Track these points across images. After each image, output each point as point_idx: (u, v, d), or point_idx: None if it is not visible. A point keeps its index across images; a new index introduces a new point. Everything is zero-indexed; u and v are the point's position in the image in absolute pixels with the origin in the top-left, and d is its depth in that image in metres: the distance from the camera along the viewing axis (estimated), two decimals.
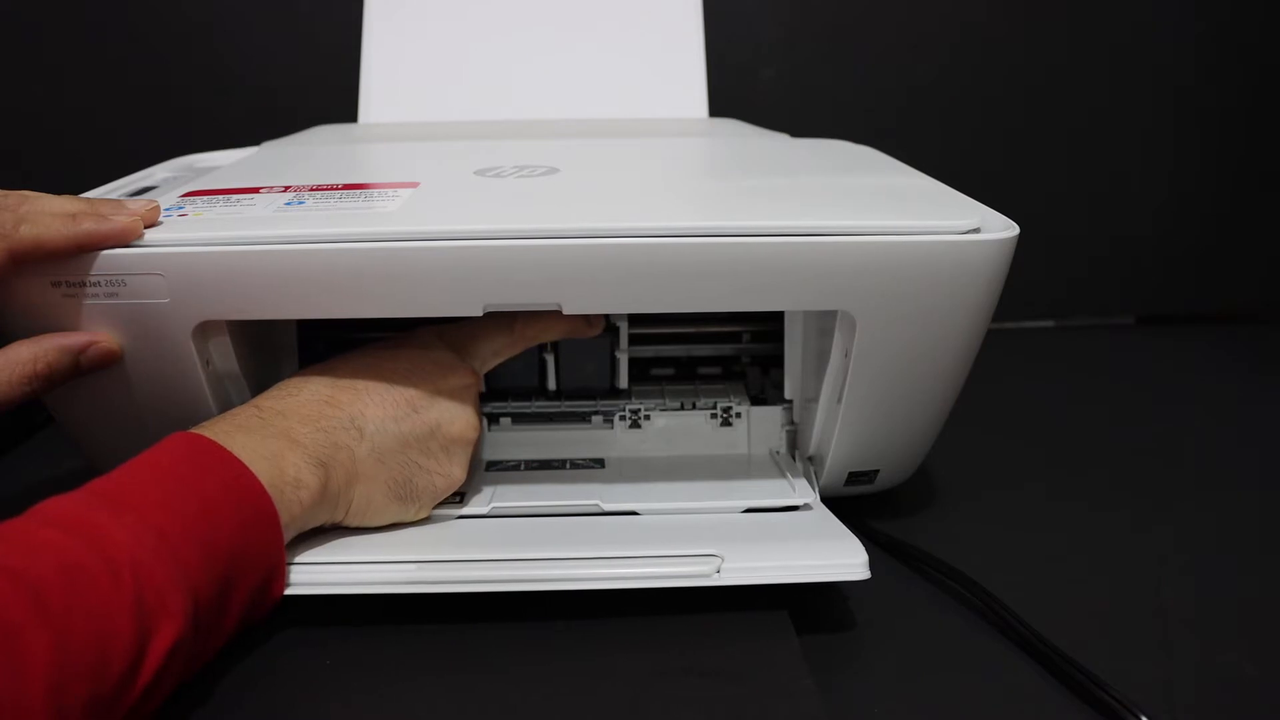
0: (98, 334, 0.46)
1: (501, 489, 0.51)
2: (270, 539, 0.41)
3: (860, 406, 0.50)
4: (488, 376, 0.55)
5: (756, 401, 0.57)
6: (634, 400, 0.57)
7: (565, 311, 0.47)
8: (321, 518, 0.45)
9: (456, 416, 0.48)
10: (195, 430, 0.42)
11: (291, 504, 0.42)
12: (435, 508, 0.49)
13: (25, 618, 0.31)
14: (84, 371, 0.46)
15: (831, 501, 0.51)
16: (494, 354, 0.53)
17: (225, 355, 0.48)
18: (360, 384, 0.47)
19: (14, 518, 0.36)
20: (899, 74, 0.93)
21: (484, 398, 0.57)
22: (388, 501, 0.46)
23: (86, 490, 0.37)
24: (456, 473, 0.48)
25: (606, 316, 0.56)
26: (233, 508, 0.39)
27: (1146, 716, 0.38)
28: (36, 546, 0.34)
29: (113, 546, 0.35)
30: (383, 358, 0.49)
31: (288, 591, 0.42)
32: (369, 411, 0.46)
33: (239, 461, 0.40)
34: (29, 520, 0.36)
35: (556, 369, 0.57)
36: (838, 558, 0.44)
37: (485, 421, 0.57)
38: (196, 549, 0.37)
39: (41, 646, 0.31)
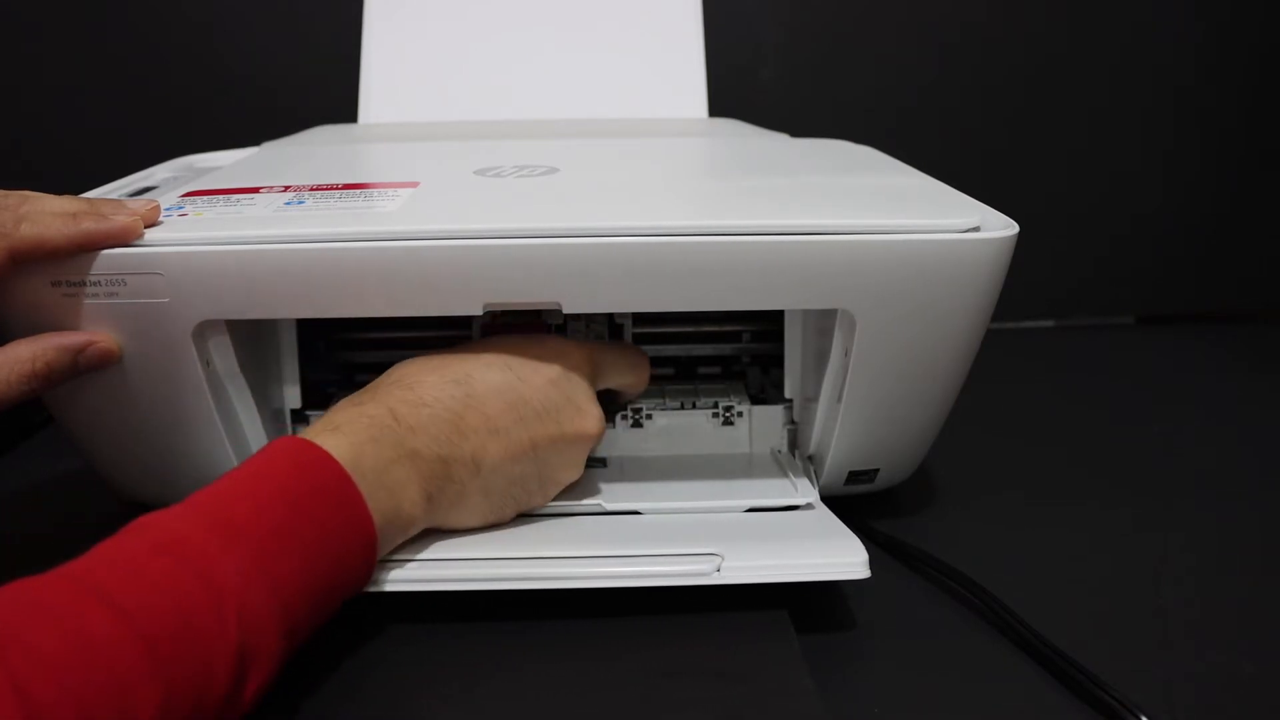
0: (96, 333, 0.45)
1: None
2: (365, 578, 0.41)
3: (860, 405, 0.50)
4: None
5: (757, 401, 0.57)
6: (635, 399, 0.57)
7: (565, 310, 0.47)
8: (416, 531, 0.45)
9: (568, 463, 0.48)
10: (326, 434, 0.41)
11: (396, 535, 0.43)
12: None
13: (139, 674, 0.31)
14: (83, 371, 0.46)
15: (832, 501, 0.51)
16: (620, 389, 0.53)
17: (225, 355, 0.48)
18: (494, 411, 0.45)
19: (119, 534, 0.35)
20: (899, 74, 0.93)
21: None
22: (472, 521, 0.46)
23: (197, 507, 0.37)
24: (542, 504, 0.48)
25: (610, 315, 0.56)
26: (343, 547, 0.39)
27: (1146, 716, 0.38)
28: (150, 581, 0.33)
29: (222, 584, 0.34)
30: (521, 380, 0.46)
31: None
32: (491, 448, 0.45)
33: (362, 502, 0.40)
34: (138, 541, 0.35)
35: None
36: (838, 556, 0.44)
37: None
38: (301, 589, 0.37)
39: (151, 703, 0.31)
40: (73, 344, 0.45)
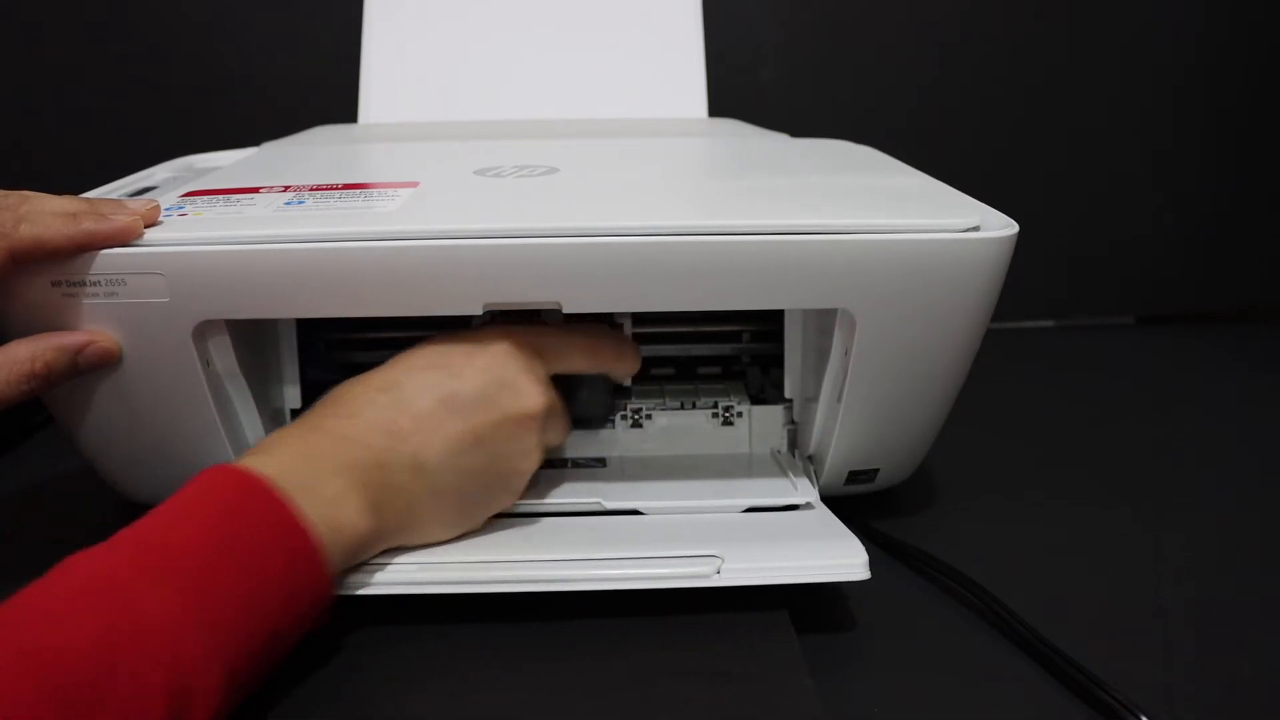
0: (96, 333, 0.45)
1: None
2: (321, 598, 0.39)
3: (860, 405, 0.50)
4: None
5: (757, 401, 0.57)
6: (635, 399, 0.57)
7: (565, 310, 0.47)
8: (371, 553, 0.43)
9: (519, 450, 0.46)
10: (254, 456, 0.40)
11: (345, 550, 0.41)
12: None
13: None
14: (82, 371, 0.45)
15: (832, 501, 0.51)
16: (573, 371, 0.51)
17: (225, 355, 0.48)
18: (426, 408, 0.44)
19: (49, 573, 0.34)
20: (899, 74, 0.93)
21: None
22: (439, 531, 0.45)
23: (126, 543, 0.35)
24: (509, 501, 0.47)
25: (612, 316, 0.56)
26: (283, 570, 0.37)
27: (1146, 716, 0.38)
28: (73, 624, 0.32)
29: (151, 623, 0.33)
30: (451, 375, 0.45)
31: None
32: (432, 445, 0.43)
33: (296, 521, 0.38)
34: (65, 581, 0.33)
35: None
36: (838, 557, 0.44)
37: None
38: (241, 620, 0.35)
39: None
40: (72, 344, 0.45)
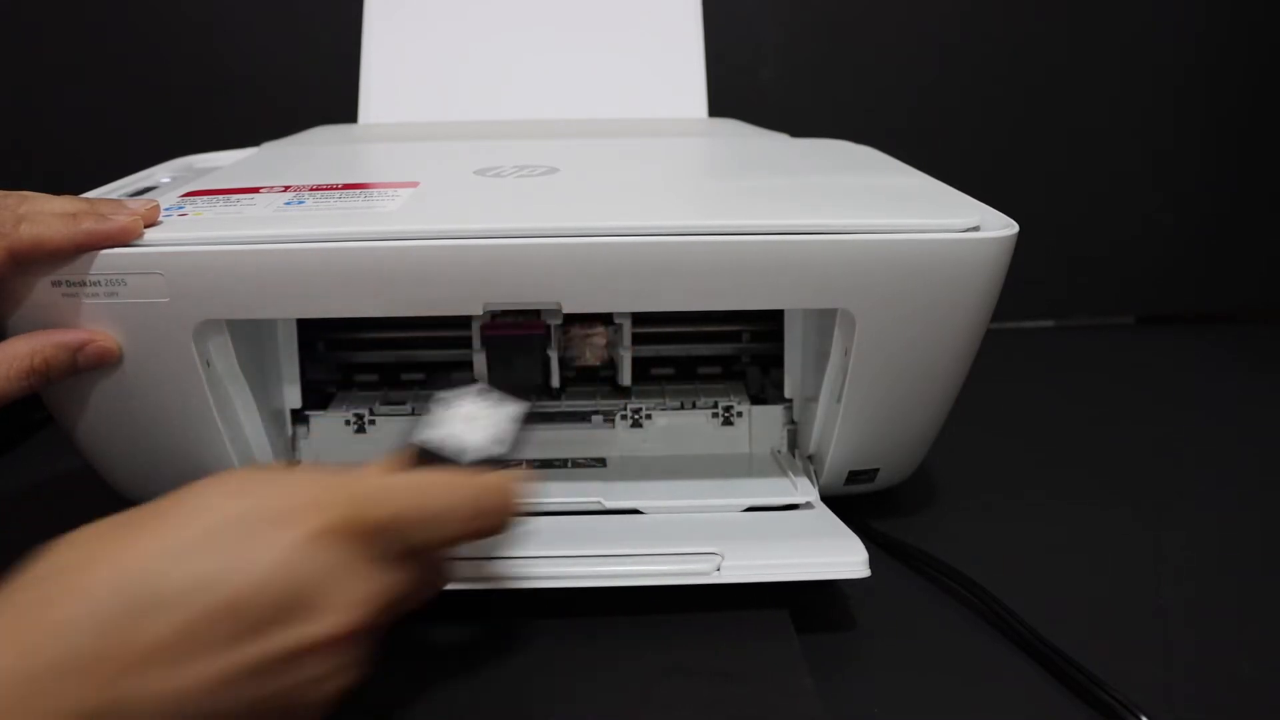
0: (96, 332, 0.45)
1: None
2: None
3: (860, 405, 0.50)
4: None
5: (757, 401, 0.57)
6: (635, 399, 0.57)
7: (565, 310, 0.47)
8: None
9: (311, 678, 0.31)
10: None
11: None
12: None
13: None
14: (81, 369, 0.45)
15: (832, 501, 0.51)
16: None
17: (225, 355, 0.48)
18: (180, 623, 0.29)
19: None
20: (899, 74, 0.93)
21: None
22: None
23: None
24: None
25: (612, 316, 0.56)
26: None
27: (1146, 716, 0.38)
28: None
29: None
30: (231, 567, 0.30)
31: None
32: (185, 685, 0.29)
33: None
34: None
35: (560, 367, 0.57)
36: (838, 556, 0.44)
37: None
38: None
39: None
40: (71, 341, 0.45)
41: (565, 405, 0.57)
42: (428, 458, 0.38)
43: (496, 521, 0.36)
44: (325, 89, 0.86)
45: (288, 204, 0.49)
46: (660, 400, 0.57)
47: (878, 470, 0.54)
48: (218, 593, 0.29)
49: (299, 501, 0.32)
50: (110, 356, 0.46)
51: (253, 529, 0.31)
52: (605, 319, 0.56)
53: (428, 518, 0.34)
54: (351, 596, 0.32)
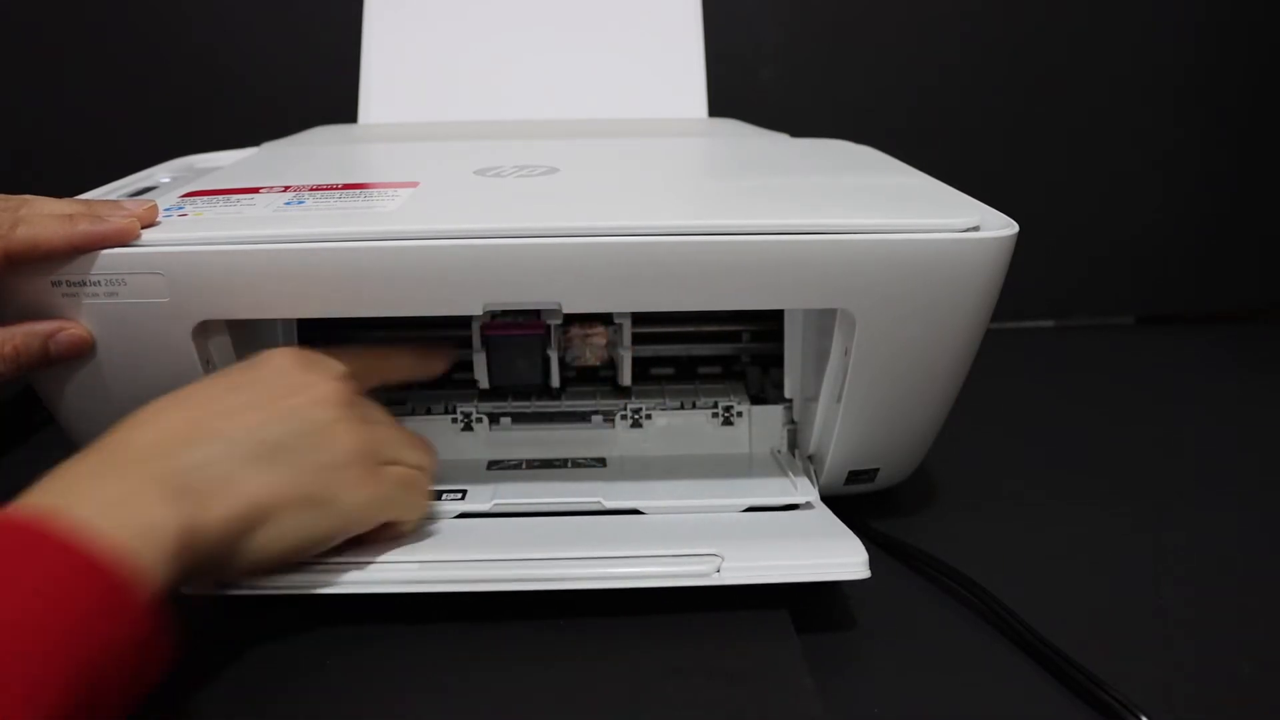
0: (67, 321, 0.45)
1: (503, 487, 0.51)
2: (135, 606, 0.33)
3: (860, 405, 0.50)
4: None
5: (757, 401, 0.57)
6: (635, 399, 0.57)
7: (565, 310, 0.47)
8: (216, 558, 0.38)
9: (325, 420, 0.42)
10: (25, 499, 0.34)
11: (159, 550, 0.35)
12: (437, 505, 0.48)
13: None
14: (55, 359, 0.46)
15: (832, 501, 0.51)
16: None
17: (225, 355, 0.48)
18: (222, 405, 0.41)
19: None
20: (899, 74, 0.93)
21: (485, 395, 0.57)
22: (299, 529, 0.41)
23: None
24: (365, 490, 0.43)
25: (612, 316, 0.56)
26: (67, 590, 0.32)
27: (1146, 716, 0.38)
28: None
29: None
30: (234, 383, 0.42)
31: (289, 591, 0.42)
32: (231, 421, 0.40)
33: (65, 529, 0.32)
34: None
35: (560, 367, 0.57)
36: (838, 557, 0.44)
37: (481, 420, 0.56)
38: (39, 653, 0.30)
39: None
40: (42, 329, 0.45)
41: (565, 405, 0.57)
42: None
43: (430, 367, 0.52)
44: (325, 89, 0.86)
45: (288, 204, 0.49)
46: (660, 400, 0.57)
47: (878, 470, 0.54)
48: (238, 397, 0.41)
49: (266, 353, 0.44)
50: (83, 345, 0.46)
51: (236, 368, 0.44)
52: (605, 319, 0.56)
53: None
54: (331, 368, 0.44)
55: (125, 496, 0.35)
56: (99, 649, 0.32)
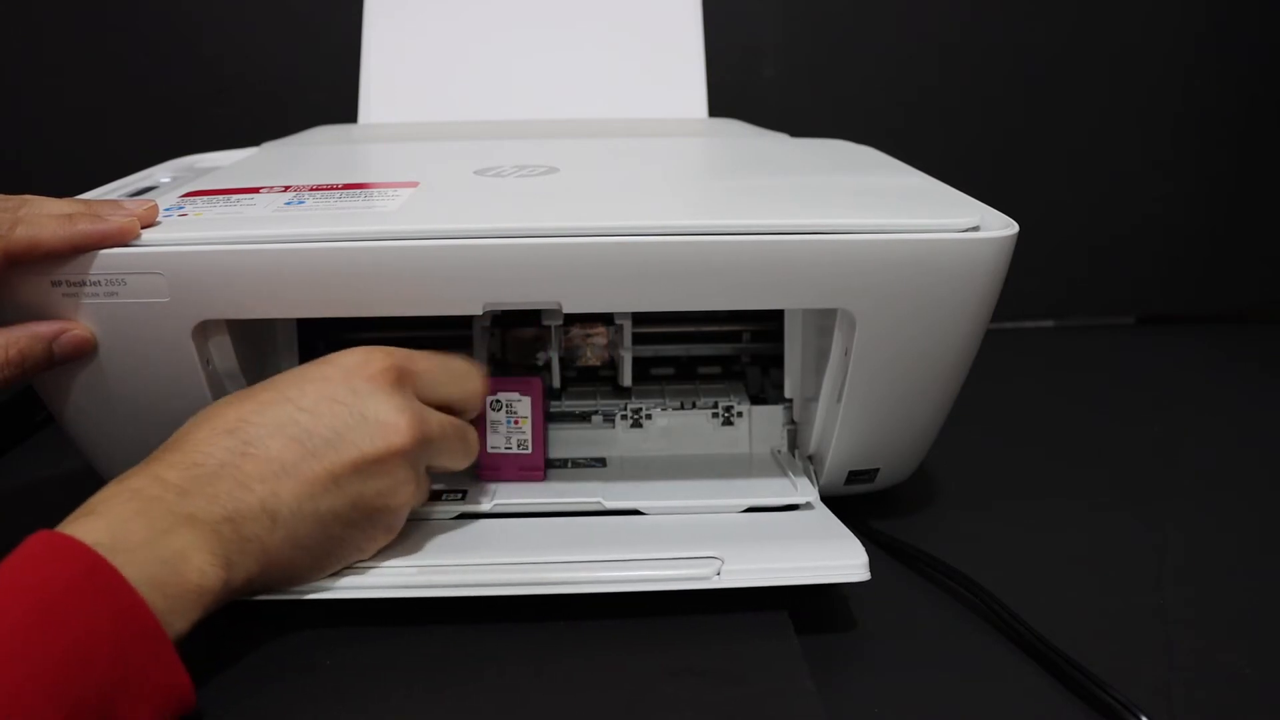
0: (70, 322, 0.45)
1: (503, 486, 0.51)
2: (163, 665, 0.34)
3: (860, 405, 0.50)
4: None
5: (757, 401, 0.57)
6: (635, 400, 0.57)
7: (565, 310, 0.47)
8: (227, 601, 0.39)
9: (385, 487, 0.42)
10: (82, 519, 0.36)
11: (190, 610, 0.37)
12: (437, 505, 0.48)
13: None
14: (59, 360, 0.45)
15: (832, 501, 0.51)
16: (445, 403, 0.46)
17: (225, 355, 0.48)
18: (274, 449, 0.40)
19: None
20: (899, 74, 0.93)
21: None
22: (305, 576, 0.42)
23: None
24: (388, 536, 0.44)
25: (612, 316, 0.56)
26: (106, 637, 0.33)
27: (1146, 716, 0.38)
28: None
29: None
30: (302, 410, 0.41)
31: (286, 596, 0.42)
32: (283, 492, 0.39)
33: (125, 586, 0.34)
34: None
35: (560, 367, 0.57)
36: (838, 559, 0.44)
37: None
38: (59, 697, 0.31)
39: None
40: (45, 331, 0.45)
41: (565, 405, 0.57)
42: None
43: (473, 384, 0.47)
44: (325, 89, 0.86)
45: (288, 204, 0.49)
46: (660, 400, 0.57)
47: (878, 470, 0.54)
48: (291, 429, 0.40)
49: (348, 363, 0.43)
50: (86, 346, 0.46)
51: (317, 380, 0.42)
52: (606, 319, 0.56)
53: (437, 371, 0.45)
54: (398, 419, 0.42)
55: (174, 558, 0.36)
56: (119, 679, 0.33)
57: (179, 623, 0.36)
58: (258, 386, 0.43)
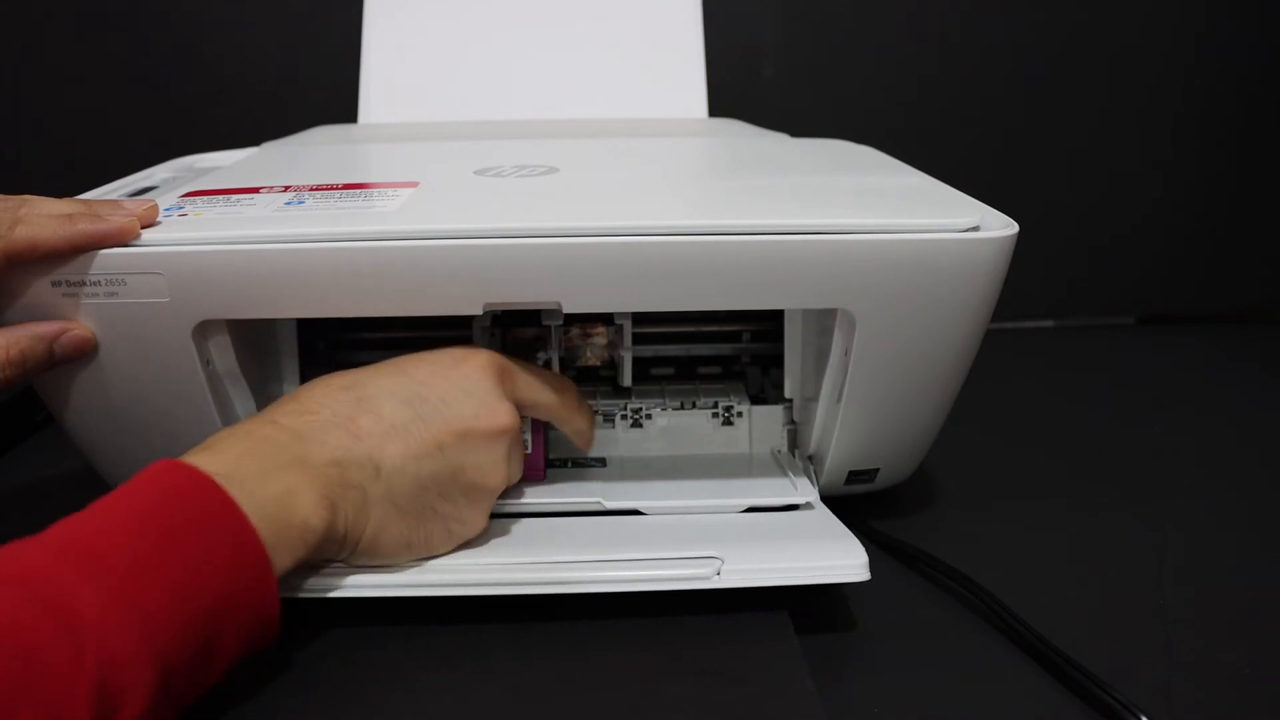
0: (70, 322, 0.45)
1: None
2: (263, 597, 0.37)
3: (860, 405, 0.50)
4: None
5: (757, 401, 0.57)
6: (635, 400, 0.57)
7: (565, 310, 0.47)
8: (326, 554, 0.42)
9: (487, 465, 0.44)
10: (200, 453, 0.39)
11: (295, 547, 0.39)
12: None
13: None
14: (59, 360, 0.45)
15: (832, 501, 0.51)
16: (537, 405, 0.49)
17: (225, 355, 0.48)
18: (387, 409, 0.43)
19: None
20: (899, 74, 0.93)
21: None
22: (396, 547, 0.43)
23: (56, 536, 0.34)
24: (476, 521, 0.45)
25: (612, 316, 0.56)
26: (223, 564, 0.36)
27: (1146, 717, 0.38)
28: None
29: (77, 617, 0.31)
30: (418, 380, 0.44)
31: (290, 595, 0.42)
32: (390, 448, 0.42)
33: (239, 514, 0.36)
34: None
35: (560, 367, 0.57)
36: (838, 559, 0.44)
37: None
38: (173, 614, 0.34)
39: None
40: (46, 332, 0.45)
41: None
42: None
43: (574, 405, 0.51)
44: (325, 89, 0.86)
45: (288, 204, 0.49)
46: (660, 400, 0.57)
47: (878, 470, 0.54)
48: (404, 393, 0.43)
49: (460, 353, 0.46)
50: (86, 346, 0.46)
51: (431, 362, 0.45)
52: (606, 319, 0.56)
53: (539, 378, 0.49)
54: (502, 405, 0.45)
55: (284, 494, 0.39)
56: (226, 614, 0.35)
57: (284, 559, 0.38)
58: (375, 364, 0.46)
